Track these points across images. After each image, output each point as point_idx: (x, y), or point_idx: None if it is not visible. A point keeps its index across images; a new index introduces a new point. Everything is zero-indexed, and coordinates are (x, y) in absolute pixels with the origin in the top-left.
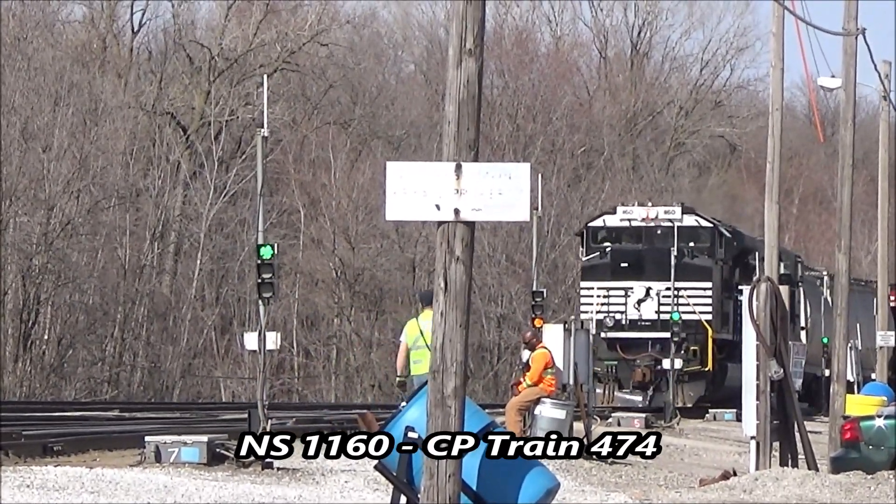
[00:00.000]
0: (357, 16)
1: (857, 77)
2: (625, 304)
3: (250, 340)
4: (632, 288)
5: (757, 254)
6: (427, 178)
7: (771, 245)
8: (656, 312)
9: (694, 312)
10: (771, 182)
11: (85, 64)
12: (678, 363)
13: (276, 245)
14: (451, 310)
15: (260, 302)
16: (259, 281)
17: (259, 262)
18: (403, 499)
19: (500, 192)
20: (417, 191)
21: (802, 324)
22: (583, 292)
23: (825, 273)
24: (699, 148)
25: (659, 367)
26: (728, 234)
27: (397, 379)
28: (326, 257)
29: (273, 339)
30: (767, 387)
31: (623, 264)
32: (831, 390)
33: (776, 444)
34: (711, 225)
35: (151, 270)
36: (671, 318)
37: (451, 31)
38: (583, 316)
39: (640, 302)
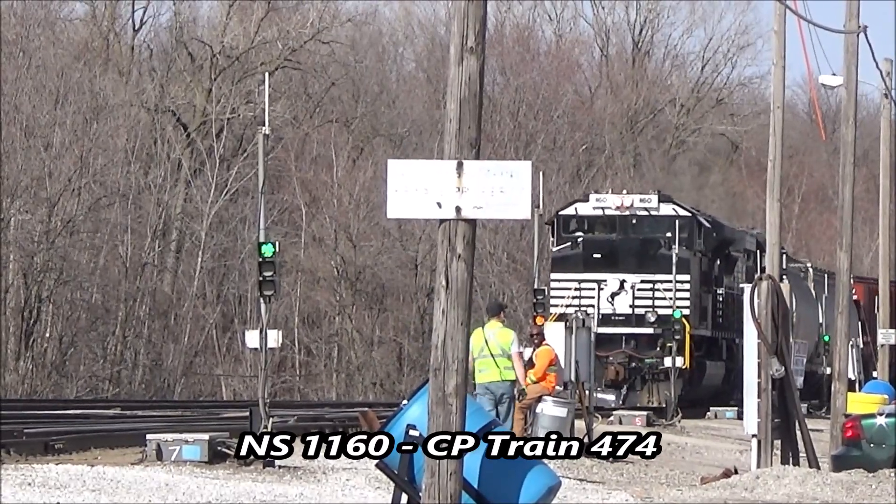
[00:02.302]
0: (358, 14)
1: (858, 75)
2: (597, 297)
3: (252, 338)
4: (605, 280)
5: (736, 246)
6: (428, 176)
7: (772, 243)
8: (631, 307)
9: (671, 307)
10: (772, 180)
11: (86, 62)
12: (668, 361)
13: (277, 243)
14: (452, 308)
15: (261, 300)
16: (260, 279)
17: (260, 259)
18: (405, 497)
19: (502, 189)
20: (419, 189)
21: None
22: (553, 284)
23: (809, 265)
24: (700, 146)
25: (633, 364)
26: (707, 224)
27: None
28: (328, 255)
29: (274, 337)
30: (769, 385)
31: (596, 255)
32: (832, 388)
33: (777, 443)
34: (690, 214)
35: (153, 268)
36: (672, 315)
37: (453, 30)
38: (552, 310)
39: (613, 295)
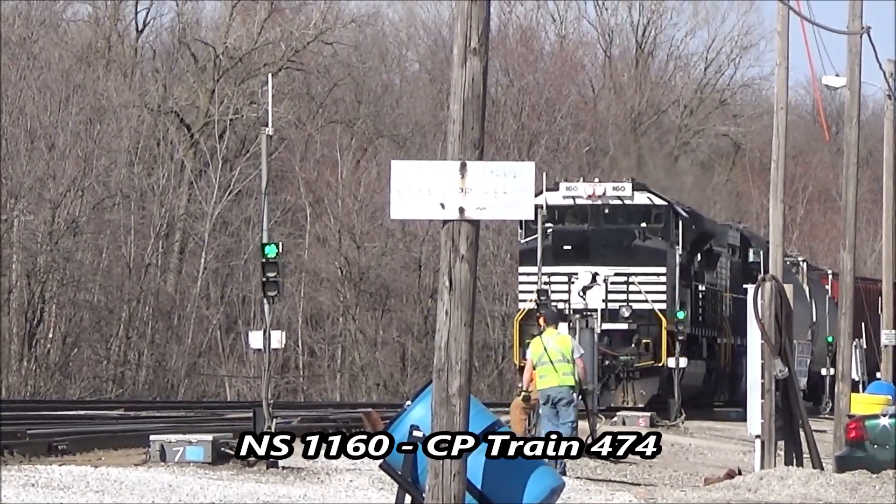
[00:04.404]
0: (361, 14)
1: (861, 76)
2: (568, 291)
3: (255, 339)
4: (576, 273)
5: (718, 240)
6: (432, 177)
7: (775, 244)
8: (604, 301)
9: (646, 301)
10: (776, 181)
11: (90, 63)
12: (671, 362)
13: (280, 244)
14: (455, 308)
15: (265, 300)
16: (264, 279)
17: (264, 260)
18: (408, 498)
19: (505, 190)
20: (422, 189)
21: None
22: (521, 278)
23: (801, 260)
24: (704, 147)
25: (607, 362)
26: (685, 215)
27: (522, 393)
28: (332, 256)
29: (278, 338)
30: (772, 386)
31: (566, 247)
32: (836, 389)
33: (781, 443)
34: (666, 203)
35: (156, 269)
36: (676, 315)
37: (456, 31)
38: (521, 305)
39: (585, 289)
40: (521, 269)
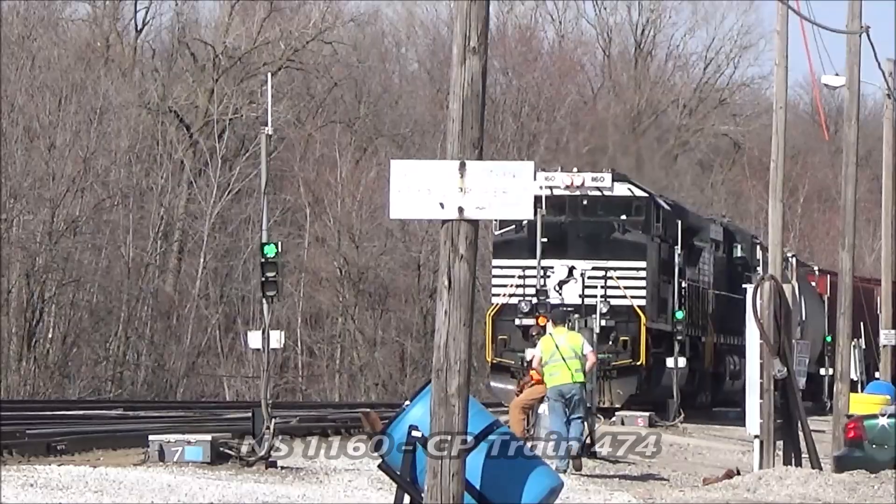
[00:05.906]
0: (361, 14)
1: (860, 75)
2: (544, 285)
3: (254, 339)
4: (552, 267)
5: (701, 235)
6: (431, 177)
7: (775, 243)
8: (580, 296)
9: (625, 297)
10: (775, 180)
11: (89, 62)
12: (669, 362)
13: (279, 243)
14: (455, 308)
15: (264, 300)
16: (263, 279)
17: (263, 260)
18: (407, 498)
19: (504, 190)
20: (422, 189)
21: None
22: (494, 272)
23: (791, 256)
24: (703, 146)
25: None
26: (667, 207)
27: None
28: (331, 255)
29: (277, 338)
30: (771, 385)
31: (542, 239)
32: (835, 389)
33: (780, 443)
34: (647, 195)
35: (155, 269)
36: (675, 315)
37: (455, 30)
38: (494, 300)
39: (561, 283)
40: (495, 263)
